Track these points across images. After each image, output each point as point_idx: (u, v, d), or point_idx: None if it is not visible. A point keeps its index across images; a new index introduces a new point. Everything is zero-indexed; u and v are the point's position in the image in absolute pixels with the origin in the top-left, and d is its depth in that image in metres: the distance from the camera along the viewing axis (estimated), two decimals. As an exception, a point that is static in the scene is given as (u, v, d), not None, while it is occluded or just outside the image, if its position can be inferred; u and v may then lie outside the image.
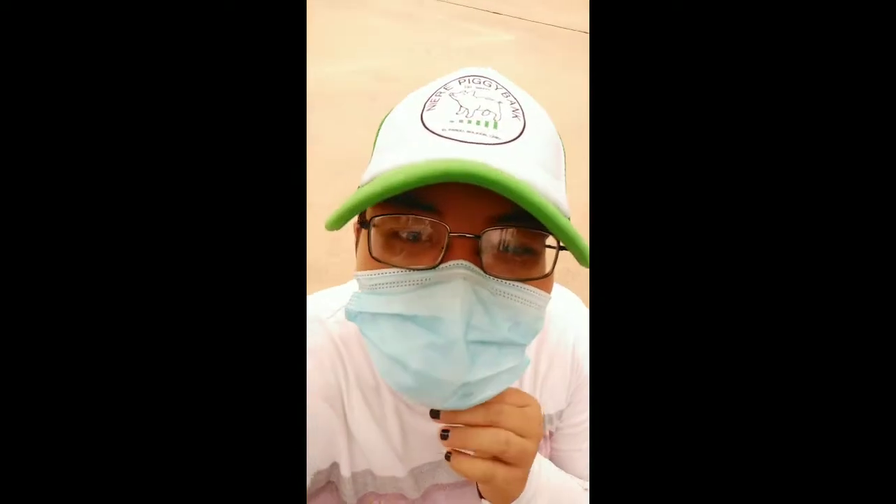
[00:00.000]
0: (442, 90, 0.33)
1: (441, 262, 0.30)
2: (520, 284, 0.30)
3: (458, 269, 0.29)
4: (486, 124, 0.31)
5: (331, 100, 3.24)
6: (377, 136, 0.36)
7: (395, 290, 0.30)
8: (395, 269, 0.31)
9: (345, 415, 0.39)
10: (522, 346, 0.32)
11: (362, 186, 0.32)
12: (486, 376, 0.30)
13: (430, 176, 0.24)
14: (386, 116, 0.37)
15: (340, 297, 0.42)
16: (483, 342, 0.30)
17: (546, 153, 0.32)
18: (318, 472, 0.38)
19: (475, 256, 0.30)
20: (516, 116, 0.32)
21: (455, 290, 0.29)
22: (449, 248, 0.30)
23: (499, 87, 0.34)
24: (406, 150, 0.30)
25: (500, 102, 0.33)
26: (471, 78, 0.35)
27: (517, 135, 0.31)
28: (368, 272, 0.32)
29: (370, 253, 0.32)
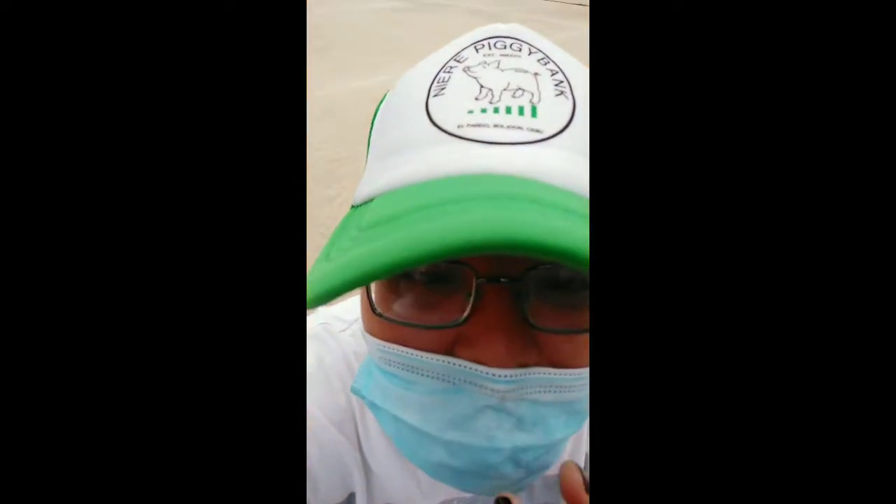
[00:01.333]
0: (453, 65, 0.23)
1: (469, 318, 0.21)
2: (573, 372, 0.22)
3: (493, 385, 0.21)
4: (521, 111, 0.21)
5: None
6: (371, 126, 0.27)
7: (409, 377, 0.22)
8: (410, 352, 0.22)
9: (359, 442, 0.32)
10: (580, 425, 0.24)
11: (357, 207, 0.23)
12: (545, 468, 0.24)
13: (437, 252, 0.15)
14: (382, 100, 0.27)
15: (355, 310, 0.33)
16: (534, 452, 0.23)
17: None
18: None
19: (516, 307, 0.21)
20: (562, 92, 0.22)
21: (490, 418, 0.21)
22: (480, 297, 0.21)
23: (533, 50, 0.24)
24: (413, 161, 0.22)
25: (537, 74, 0.22)
26: (492, 41, 0.24)
27: (567, 121, 0.21)
28: (376, 341, 0.23)
29: (371, 307, 0.23)
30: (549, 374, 0.22)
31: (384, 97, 0.27)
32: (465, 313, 0.21)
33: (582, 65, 0.25)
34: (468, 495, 0.33)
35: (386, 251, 0.16)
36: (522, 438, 0.22)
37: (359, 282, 0.16)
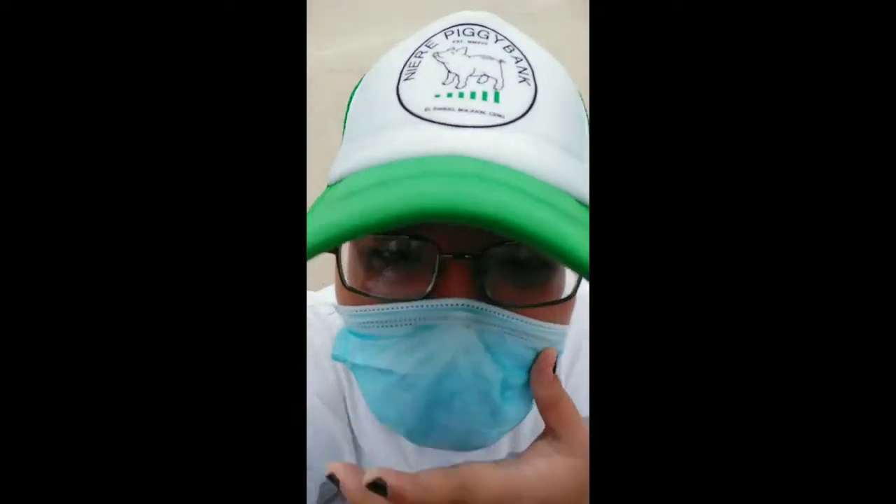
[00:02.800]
0: (423, 49, 0.25)
1: (432, 292, 0.23)
2: (533, 321, 0.24)
3: (457, 313, 0.22)
4: (485, 96, 0.23)
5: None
6: (347, 109, 0.28)
7: (383, 332, 0.24)
8: (378, 307, 0.24)
9: (349, 419, 0.34)
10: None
11: (331, 186, 0.25)
12: (504, 422, 0.25)
13: (385, 220, 0.17)
14: (358, 84, 0.28)
15: None
16: (492, 385, 0.24)
17: (564, 126, 0.24)
18: (324, 484, 0.34)
19: (476, 282, 0.23)
20: (525, 79, 0.24)
21: (456, 342, 0.22)
22: (442, 272, 0.23)
23: (500, 37, 0.25)
24: (381, 143, 0.23)
25: (501, 61, 0.24)
26: (461, 28, 0.25)
27: (527, 107, 0.23)
28: (349, 307, 0.26)
29: (342, 281, 0.25)
30: (511, 317, 0.23)
31: (360, 81, 0.29)
32: (429, 287, 0.23)
33: (547, 52, 0.27)
34: (456, 461, 0.34)
35: (340, 221, 0.18)
36: (484, 366, 0.23)
37: (314, 251, 0.18)
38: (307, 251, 0.18)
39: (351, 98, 0.29)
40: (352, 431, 0.34)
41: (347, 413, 0.34)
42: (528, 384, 0.25)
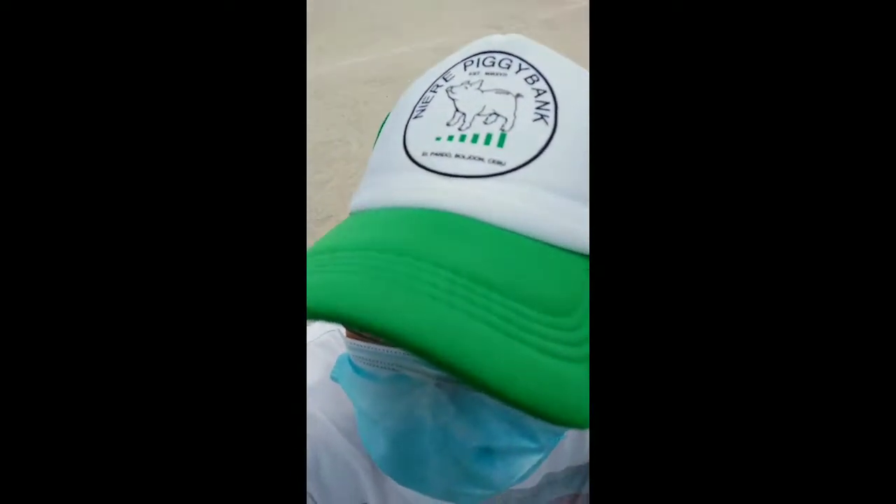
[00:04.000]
0: (440, 83, 0.23)
1: None
2: None
3: (425, 368, 0.21)
4: (488, 139, 0.20)
5: (399, 82, 3.28)
6: (378, 133, 0.27)
7: (369, 370, 0.23)
8: (367, 345, 0.23)
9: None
10: (539, 448, 0.23)
11: (356, 214, 0.23)
12: (488, 486, 0.23)
13: (314, 314, 0.15)
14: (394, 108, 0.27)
15: None
16: (464, 451, 0.22)
17: (579, 168, 0.21)
18: None
19: None
20: (541, 117, 0.21)
21: (425, 401, 0.21)
22: None
23: (524, 66, 0.22)
24: (376, 186, 0.22)
25: (518, 96, 0.21)
26: (482, 58, 0.23)
27: (537, 151, 0.20)
28: (349, 340, 0.25)
29: None
30: None
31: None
32: None
33: (582, 74, 0.23)
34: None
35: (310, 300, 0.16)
36: (457, 431, 0.21)
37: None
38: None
39: (383, 123, 0.27)
40: (370, 460, 0.32)
41: None
42: (525, 446, 0.23)
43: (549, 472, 0.32)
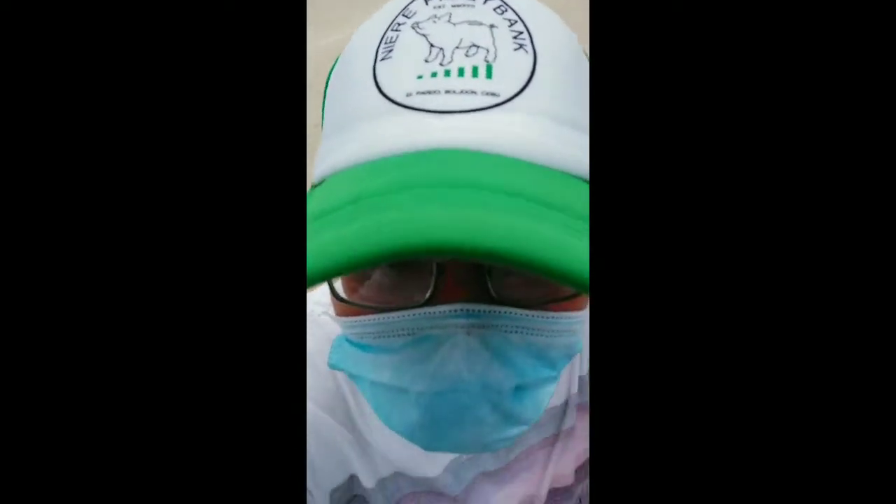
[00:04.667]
0: (401, 21, 0.21)
1: (433, 297, 0.21)
2: (543, 314, 0.21)
3: (457, 320, 0.20)
4: (475, 71, 0.19)
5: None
6: (325, 92, 0.25)
7: (379, 343, 0.22)
8: (372, 317, 0.22)
9: (354, 422, 0.32)
10: (557, 375, 0.24)
11: (314, 188, 0.22)
12: (523, 422, 0.24)
13: (381, 257, 0.14)
14: (333, 66, 0.25)
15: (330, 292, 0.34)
16: (503, 393, 0.22)
17: (567, 97, 0.21)
18: (335, 490, 0.32)
19: (479, 281, 0.21)
20: (521, 46, 0.20)
21: (458, 354, 0.20)
22: (441, 274, 0.21)
23: None
24: (359, 137, 0.20)
25: (493, 26, 0.20)
26: None
27: (525, 80, 0.20)
28: (345, 319, 0.23)
29: (332, 292, 0.23)
30: (516, 313, 0.21)
31: (336, 60, 0.25)
32: (428, 293, 0.21)
33: (546, 8, 0.23)
34: (501, 465, 0.34)
35: (322, 255, 0.15)
36: (492, 375, 0.21)
37: (311, 282, 0.16)
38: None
39: (327, 82, 0.25)
40: (357, 434, 0.33)
41: (352, 416, 0.32)
42: (548, 375, 0.23)
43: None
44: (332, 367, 0.26)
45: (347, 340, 0.24)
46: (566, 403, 0.36)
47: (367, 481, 0.33)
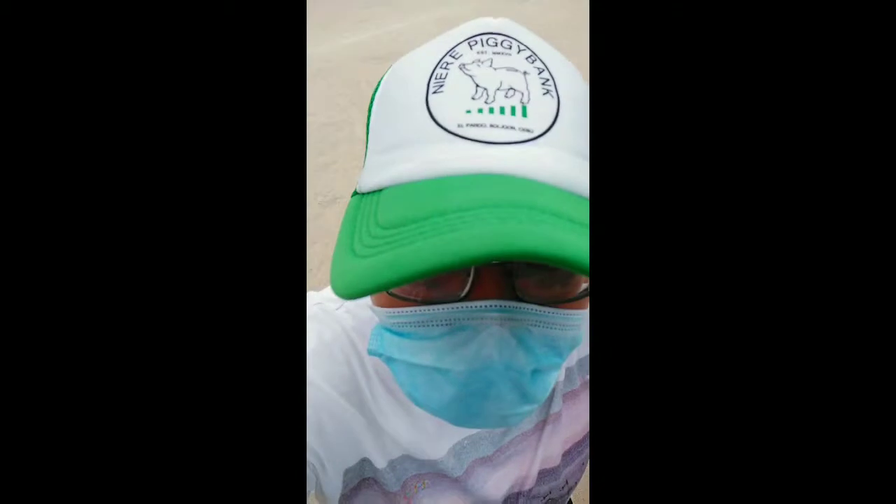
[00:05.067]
0: (449, 60, 0.26)
1: (469, 294, 0.25)
2: (558, 312, 0.26)
3: (492, 313, 0.25)
4: (514, 110, 0.24)
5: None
6: (370, 114, 0.29)
7: (420, 331, 0.26)
8: (416, 309, 0.26)
9: (368, 407, 0.36)
10: (561, 363, 0.29)
11: (365, 195, 0.27)
12: (535, 401, 0.28)
13: (459, 263, 0.18)
14: (377, 87, 0.29)
15: None
16: (523, 374, 0.26)
17: (583, 134, 0.26)
18: (348, 471, 0.36)
19: (506, 283, 0.25)
20: (548, 91, 0.25)
21: (491, 340, 0.25)
22: (477, 276, 0.25)
23: (521, 47, 0.26)
24: (418, 157, 0.24)
25: (526, 73, 0.25)
26: (484, 38, 0.26)
27: (552, 120, 0.24)
28: (386, 309, 0.27)
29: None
30: (538, 310, 0.26)
31: (379, 83, 0.29)
32: (466, 289, 0.25)
33: (564, 58, 0.28)
34: (473, 432, 0.38)
35: (416, 259, 0.19)
36: (516, 359, 0.26)
37: (394, 284, 0.19)
38: (379, 286, 0.19)
39: (371, 102, 0.29)
40: (372, 417, 0.36)
41: (366, 402, 0.36)
42: (557, 362, 0.28)
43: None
44: (371, 353, 0.29)
45: (387, 330, 0.28)
46: (553, 391, 0.40)
47: (379, 462, 0.36)
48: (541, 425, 0.40)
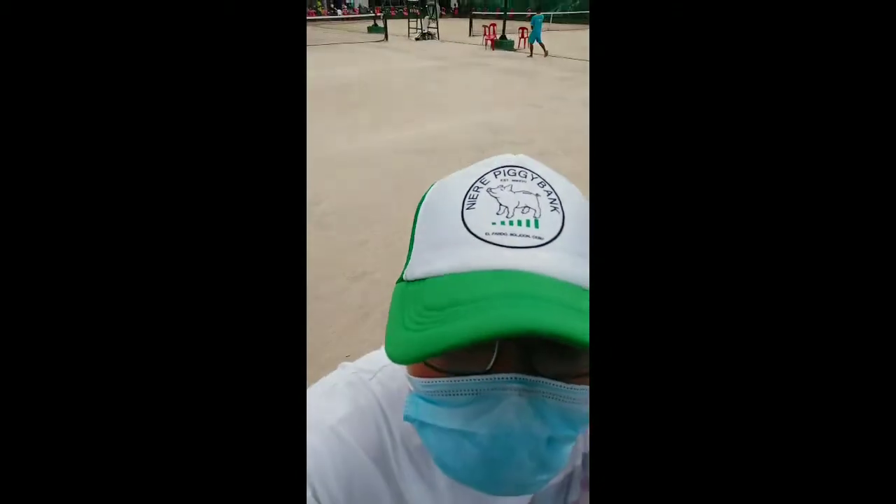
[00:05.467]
0: (479, 185, 0.34)
1: (492, 368, 0.30)
2: (569, 386, 0.30)
3: (512, 385, 0.30)
4: (528, 223, 0.31)
5: (448, 154, 3.50)
6: (415, 221, 0.37)
7: (449, 399, 0.31)
8: (447, 379, 0.31)
9: (393, 475, 0.39)
10: (575, 436, 0.32)
11: (411, 282, 0.33)
12: (551, 469, 0.32)
13: (492, 332, 0.25)
14: (422, 202, 0.37)
15: (376, 361, 0.44)
16: (539, 441, 0.31)
17: (582, 239, 0.33)
18: None
19: (525, 359, 0.30)
20: (555, 209, 0.32)
21: (511, 408, 0.30)
22: (501, 352, 0.30)
23: (534, 176, 0.34)
24: (455, 256, 0.31)
25: (537, 196, 0.33)
26: (506, 170, 0.35)
27: (558, 230, 0.31)
28: (421, 379, 0.32)
29: (425, 361, 0.32)
30: (552, 384, 0.30)
31: (424, 197, 0.37)
32: (490, 364, 0.30)
33: (568, 182, 0.36)
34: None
35: (455, 334, 0.26)
36: (534, 427, 0.30)
37: (436, 354, 0.26)
38: (426, 355, 0.26)
39: (417, 211, 0.37)
40: (396, 485, 0.39)
41: (392, 469, 0.40)
42: (570, 434, 0.32)
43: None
44: (407, 418, 0.34)
45: (420, 397, 0.33)
46: (570, 476, 0.43)
47: None
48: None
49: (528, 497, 0.40)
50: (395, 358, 0.28)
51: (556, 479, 0.42)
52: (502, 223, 0.31)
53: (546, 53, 8.79)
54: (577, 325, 0.26)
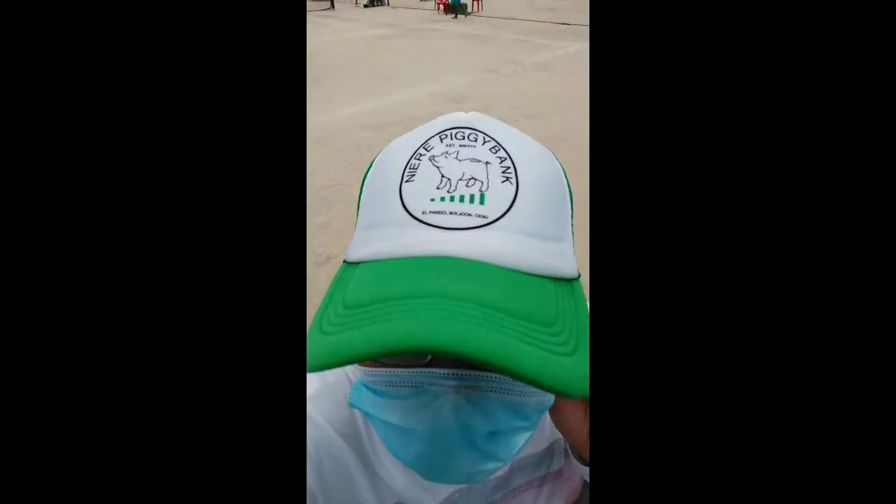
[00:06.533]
0: (422, 152, 0.29)
1: (431, 361, 0.28)
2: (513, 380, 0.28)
3: (449, 381, 0.27)
4: (472, 199, 0.27)
5: (407, 128, 3.38)
6: (361, 189, 0.33)
7: (390, 391, 0.29)
8: (388, 370, 0.29)
9: (365, 451, 0.37)
10: (530, 426, 0.30)
11: (349, 265, 0.30)
12: (498, 460, 0.30)
13: (393, 349, 0.22)
14: (369, 168, 0.33)
15: None
16: (478, 436, 0.28)
17: (542, 216, 0.28)
18: None
19: None
20: (507, 179, 0.28)
21: (448, 406, 0.27)
22: None
23: (486, 139, 0.29)
24: (386, 238, 0.27)
25: (487, 163, 0.28)
26: (454, 132, 0.30)
27: (508, 206, 0.27)
28: (365, 367, 0.30)
29: None
30: (495, 378, 0.28)
31: (372, 163, 0.32)
32: (429, 358, 0.28)
33: (531, 143, 0.31)
34: (463, 486, 0.39)
35: (360, 344, 0.23)
36: (473, 422, 0.28)
37: (337, 365, 0.23)
38: (332, 364, 0.22)
39: (363, 181, 0.32)
40: (368, 464, 0.37)
41: (364, 445, 0.37)
42: (520, 426, 0.30)
43: (518, 458, 0.38)
44: (352, 405, 0.32)
45: (364, 385, 0.31)
46: (551, 448, 0.41)
47: None
48: (538, 482, 0.40)
49: (506, 466, 0.39)
50: (308, 366, 0.23)
51: (537, 449, 0.40)
52: (442, 199, 0.27)
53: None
54: (487, 337, 0.22)
